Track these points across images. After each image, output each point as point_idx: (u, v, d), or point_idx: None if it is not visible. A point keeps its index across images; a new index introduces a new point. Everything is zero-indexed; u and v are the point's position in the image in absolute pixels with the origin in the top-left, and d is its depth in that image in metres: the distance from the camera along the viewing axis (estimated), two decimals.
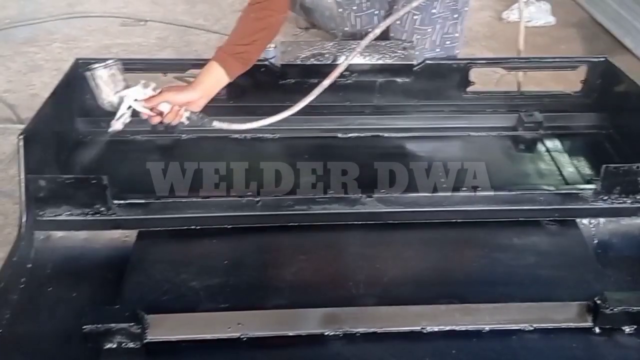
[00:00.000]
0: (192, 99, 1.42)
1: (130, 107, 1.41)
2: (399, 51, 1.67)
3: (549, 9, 4.05)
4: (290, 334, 1.12)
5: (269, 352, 1.11)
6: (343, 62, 1.48)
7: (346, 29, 1.89)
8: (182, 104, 1.41)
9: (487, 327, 1.13)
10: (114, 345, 1.07)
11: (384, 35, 1.69)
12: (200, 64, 1.49)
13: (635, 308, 1.12)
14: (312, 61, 1.64)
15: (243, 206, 1.37)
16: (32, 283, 1.24)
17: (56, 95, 1.49)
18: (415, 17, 1.73)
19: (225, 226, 1.35)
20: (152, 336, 1.09)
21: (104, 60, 1.41)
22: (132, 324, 1.07)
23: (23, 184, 1.28)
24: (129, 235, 1.35)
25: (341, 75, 1.51)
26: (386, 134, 1.67)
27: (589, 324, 1.14)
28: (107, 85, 1.39)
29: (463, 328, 1.13)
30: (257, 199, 1.37)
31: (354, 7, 1.83)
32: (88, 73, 1.39)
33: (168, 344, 1.10)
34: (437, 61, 1.73)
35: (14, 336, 1.13)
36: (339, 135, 1.67)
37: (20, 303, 1.19)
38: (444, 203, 1.39)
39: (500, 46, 3.71)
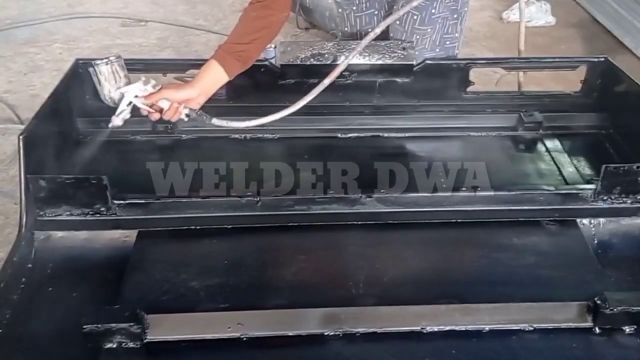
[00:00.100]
0: (190, 96, 1.43)
1: (130, 103, 1.43)
2: (399, 51, 1.67)
3: (549, 9, 4.05)
4: (290, 334, 1.12)
5: (269, 352, 1.11)
6: (343, 62, 1.48)
7: (346, 29, 1.89)
8: (181, 101, 1.43)
9: (487, 327, 1.13)
10: (114, 345, 1.07)
11: (384, 35, 1.69)
12: (200, 64, 1.49)
13: (635, 308, 1.12)
14: (312, 61, 1.65)
15: (243, 206, 1.37)
16: (32, 283, 1.24)
17: (56, 96, 1.49)
18: (415, 17, 1.73)
19: (225, 226, 1.35)
20: (152, 336, 1.09)
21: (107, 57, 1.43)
22: (132, 323, 1.07)
23: (23, 184, 1.28)
24: (129, 235, 1.34)
25: (341, 75, 1.51)
26: (386, 134, 1.67)
27: (589, 324, 1.14)
28: (108, 81, 1.42)
29: (463, 328, 1.13)
30: (257, 199, 1.37)
31: (354, 8, 1.83)
32: (91, 69, 1.42)
33: (168, 343, 1.10)
34: (437, 61, 1.73)
35: (14, 336, 1.13)
36: (339, 135, 1.67)
37: (21, 303, 1.19)
38: (444, 203, 1.39)
39: (500, 46, 3.71)
